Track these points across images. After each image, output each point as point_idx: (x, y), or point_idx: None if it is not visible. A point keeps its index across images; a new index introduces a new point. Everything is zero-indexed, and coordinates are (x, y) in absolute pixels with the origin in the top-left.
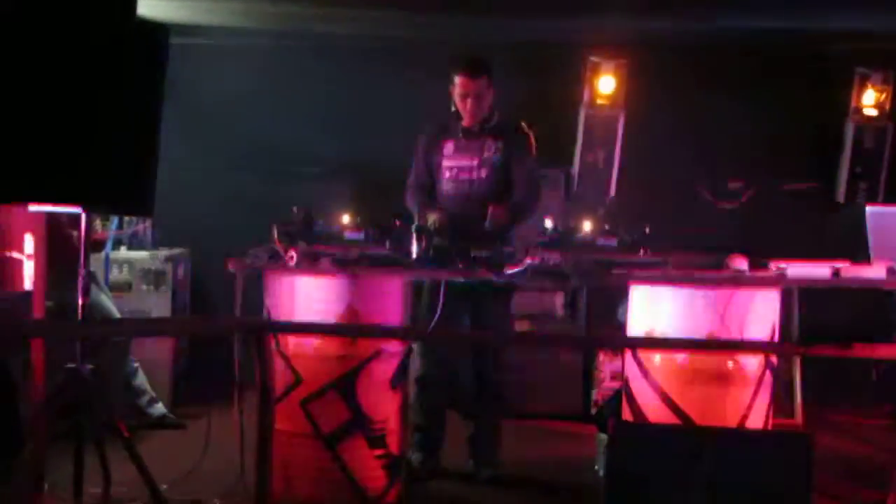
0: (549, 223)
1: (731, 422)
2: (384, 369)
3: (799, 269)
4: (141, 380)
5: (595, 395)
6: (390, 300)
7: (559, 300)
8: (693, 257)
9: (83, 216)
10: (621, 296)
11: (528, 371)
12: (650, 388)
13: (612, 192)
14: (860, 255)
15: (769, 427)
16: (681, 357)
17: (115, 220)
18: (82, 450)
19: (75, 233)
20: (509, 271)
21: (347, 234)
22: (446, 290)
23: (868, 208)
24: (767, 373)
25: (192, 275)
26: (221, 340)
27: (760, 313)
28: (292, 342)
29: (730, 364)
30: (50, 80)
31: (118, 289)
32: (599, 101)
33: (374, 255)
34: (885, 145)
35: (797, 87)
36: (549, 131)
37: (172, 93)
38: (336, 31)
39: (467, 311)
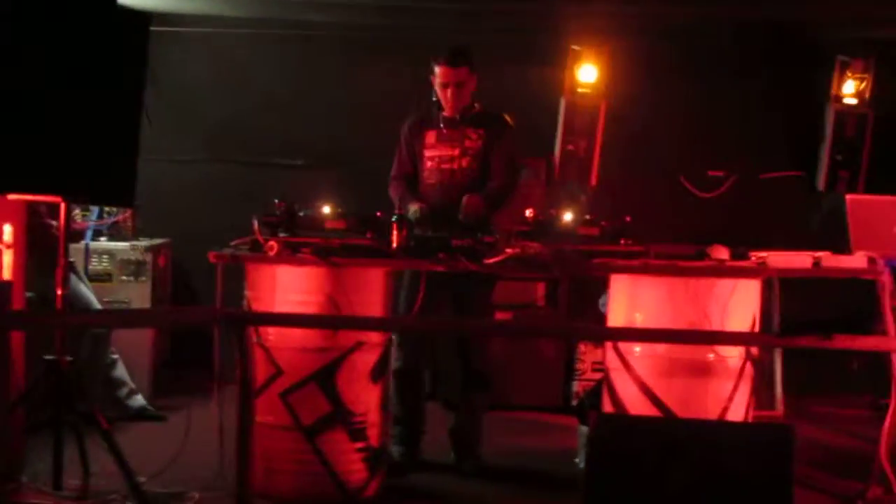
0: (529, 213)
1: (712, 413)
2: (365, 361)
3: (779, 259)
4: (120, 371)
5: (576, 386)
6: (371, 291)
7: (540, 290)
8: (674, 247)
9: (63, 206)
10: (602, 286)
11: (508, 362)
12: (631, 380)
13: (594, 181)
14: (841, 244)
15: (750, 418)
16: (661, 348)
17: (95, 210)
18: (61, 442)
19: (55, 223)
20: (490, 261)
21: (329, 225)
22: (427, 280)
23: (848, 197)
24: (748, 364)
25: (173, 265)
26: (202, 332)
27: (741, 304)
28: (272, 334)
29: (710, 355)
30: (30, 68)
31: (98, 279)
32: (580, 90)
33: (355, 245)
34: (866, 134)
35: (777, 76)
36: (530, 120)
37: (154, 82)
38: (317, 19)
39: (448, 302)
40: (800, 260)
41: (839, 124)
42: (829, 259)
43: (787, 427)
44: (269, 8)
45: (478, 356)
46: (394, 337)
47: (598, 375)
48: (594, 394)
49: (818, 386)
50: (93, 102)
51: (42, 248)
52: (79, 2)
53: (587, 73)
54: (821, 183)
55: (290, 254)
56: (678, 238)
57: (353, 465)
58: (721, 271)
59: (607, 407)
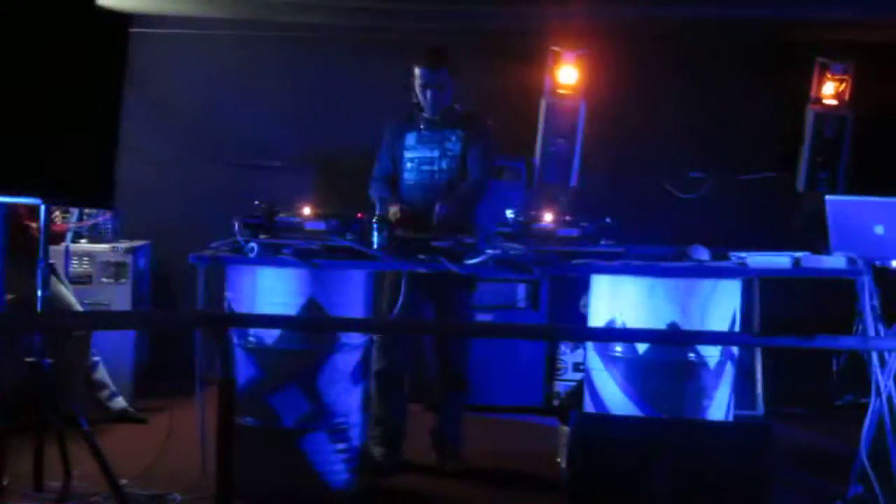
0: (510, 213)
1: (692, 413)
2: (346, 362)
3: (760, 260)
4: (101, 373)
5: (557, 386)
6: (352, 292)
7: (521, 291)
8: (654, 248)
9: (43, 208)
10: (583, 288)
11: (489, 363)
12: (611, 380)
13: (574, 181)
14: (820, 244)
15: (730, 418)
16: (642, 348)
17: (75, 211)
18: (43, 444)
19: (35, 224)
20: (470, 262)
21: (309, 226)
22: (408, 281)
23: (828, 198)
24: (728, 364)
25: (154, 267)
26: (183, 334)
27: (721, 304)
28: (253, 335)
29: (691, 355)
30: (9, 70)
31: (78, 281)
32: (561, 91)
33: (336, 246)
34: (845, 135)
35: (757, 77)
36: (510, 121)
37: (134, 84)
38: (298, 21)
39: (429, 303)
40: (780, 260)
41: (819, 126)
42: (808, 260)
43: (766, 427)
44: (250, 10)
45: (457, 357)
46: (375, 338)
47: (579, 376)
48: (575, 394)
49: (798, 386)
50: (72, 104)
51: (22, 251)
52: (58, 4)
53: (567, 75)
54: (800, 184)
55: (270, 255)
56: (658, 239)
57: (334, 465)
58: (701, 271)
59: (588, 407)
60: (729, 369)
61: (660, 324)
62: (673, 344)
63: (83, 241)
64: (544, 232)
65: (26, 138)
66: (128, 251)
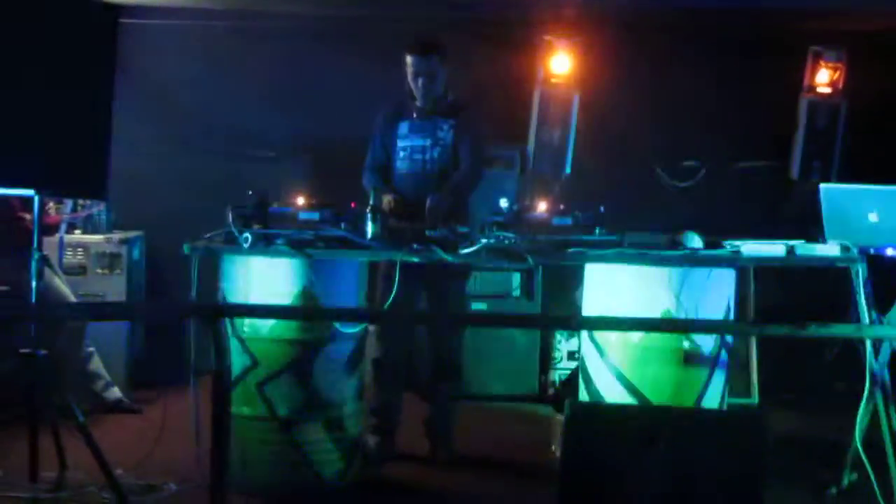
0: (504, 202)
1: (687, 401)
2: (340, 352)
3: (754, 248)
4: (96, 364)
5: (552, 375)
6: (346, 281)
7: (515, 280)
8: (648, 236)
9: (36, 199)
10: (577, 277)
11: (484, 352)
12: (606, 368)
13: (568, 170)
14: (814, 233)
15: (724, 406)
16: (636, 337)
17: (68, 203)
18: (37, 435)
19: (28, 216)
20: (464, 251)
21: (302, 216)
22: (401, 271)
23: (822, 186)
24: (723, 352)
25: (148, 258)
26: (177, 324)
27: (716, 292)
28: (247, 325)
29: (685, 343)
30: (0, 62)
31: (72, 272)
32: (554, 80)
33: (329, 236)
34: (839, 123)
35: (751, 65)
36: (504, 110)
37: (127, 75)
38: (290, 10)
39: (423, 292)
40: (774, 249)
41: (812, 114)
42: (802, 248)
43: (760, 415)
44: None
45: (451, 346)
46: (370, 328)
47: (573, 364)
48: (570, 382)
49: (793, 374)
50: (64, 95)
51: (16, 242)
52: None
53: (561, 64)
54: (794, 172)
55: (264, 245)
56: (653, 227)
57: (328, 455)
58: (695, 260)
59: (583, 396)
60: (723, 357)
61: (654, 312)
62: (667, 332)
63: (77, 232)
64: (538, 221)
65: (19, 130)
66: (122, 242)
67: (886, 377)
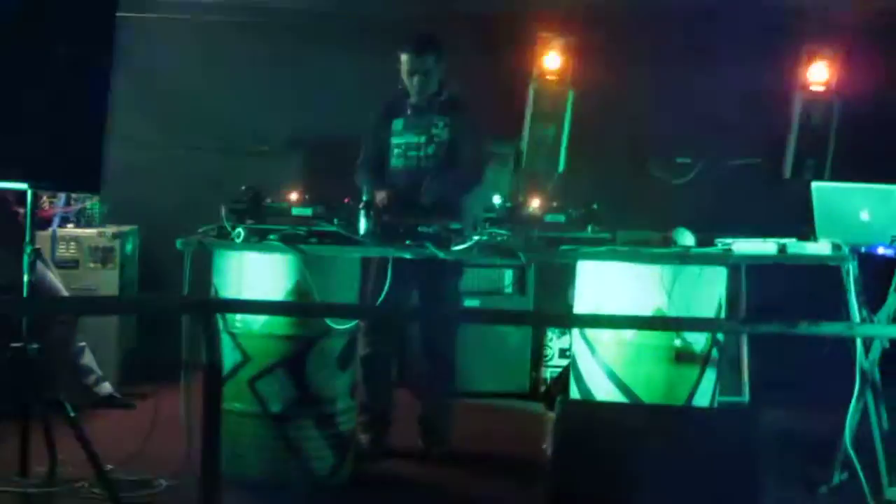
0: (497, 199)
1: (678, 399)
2: (332, 348)
3: (745, 246)
4: (88, 358)
5: (544, 372)
6: (339, 277)
7: (508, 277)
8: (641, 233)
9: (30, 193)
10: (570, 274)
11: (476, 348)
12: (597, 366)
13: (561, 167)
14: (806, 231)
15: (715, 404)
16: (628, 334)
17: (62, 196)
18: (28, 429)
19: (22, 209)
20: (457, 248)
21: (296, 211)
22: (394, 267)
23: (814, 184)
24: (714, 350)
25: (141, 252)
26: (169, 319)
27: (707, 290)
28: (240, 320)
29: (677, 341)
30: None
31: (65, 266)
32: (548, 77)
33: (322, 232)
34: (832, 122)
35: (745, 63)
36: (498, 106)
37: (121, 68)
38: (286, 6)
39: (416, 288)
40: (765, 247)
41: (806, 112)
42: (794, 246)
43: (752, 412)
44: None
45: (443, 343)
46: (362, 324)
47: (565, 362)
48: (561, 380)
49: (784, 372)
50: (59, 89)
51: (8, 236)
52: None
53: (555, 60)
54: (787, 170)
55: (257, 241)
56: (645, 224)
57: (320, 451)
58: (687, 258)
59: (574, 393)
60: (714, 355)
61: (646, 310)
62: (659, 330)
63: (70, 225)
64: (531, 217)
65: (13, 124)
66: (115, 236)
67: (877, 376)
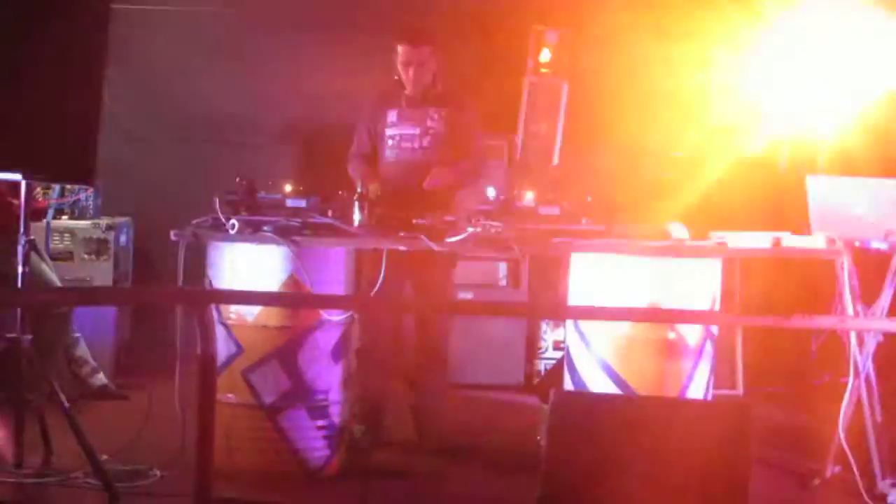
0: (492, 191)
1: (672, 392)
2: (326, 339)
3: (740, 239)
4: (82, 350)
5: (537, 365)
6: (332, 269)
7: (502, 269)
8: (635, 226)
9: (24, 184)
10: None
11: (470, 341)
12: (591, 358)
13: (556, 160)
14: (801, 224)
15: (709, 397)
16: (622, 327)
17: (56, 188)
18: (23, 421)
19: (16, 201)
20: (451, 239)
21: (290, 203)
22: (388, 259)
23: (809, 177)
24: (708, 343)
25: (135, 243)
26: (163, 310)
27: (702, 283)
28: (234, 312)
29: (671, 334)
30: None
31: (59, 258)
32: (543, 70)
33: (316, 223)
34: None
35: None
36: (493, 99)
37: (115, 60)
38: None
39: (409, 280)
40: (759, 240)
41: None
42: (788, 239)
43: (745, 406)
44: None
45: (437, 335)
46: (356, 315)
47: (559, 354)
48: (555, 372)
49: (778, 365)
50: (54, 80)
51: (3, 227)
52: None
53: (550, 54)
54: (782, 163)
55: (251, 232)
56: (639, 218)
57: (314, 442)
58: (681, 251)
59: (568, 385)
60: (708, 348)
61: (640, 302)
62: (652, 323)
63: (64, 217)
64: (526, 210)
65: (8, 115)
66: (109, 228)
67: (870, 369)
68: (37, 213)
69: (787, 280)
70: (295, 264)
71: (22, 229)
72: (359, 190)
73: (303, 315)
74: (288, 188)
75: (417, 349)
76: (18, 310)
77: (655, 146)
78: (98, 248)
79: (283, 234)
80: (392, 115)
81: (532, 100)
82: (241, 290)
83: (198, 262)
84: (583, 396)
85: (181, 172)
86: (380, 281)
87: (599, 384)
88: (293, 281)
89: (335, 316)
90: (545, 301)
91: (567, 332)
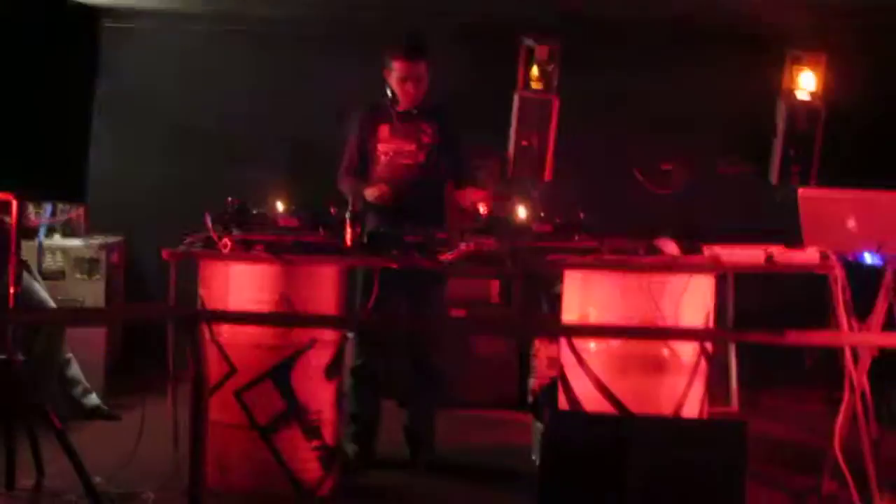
0: (483, 209)
1: (667, 410)
2: (319, 359)
3: (732, 255)
4: (74, 370)
5: (532, 383)
6: (325, 288)
7: (494, 287)
8: (627, 242)
9: (15, 203)
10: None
11: (463, 359)
12: (585, 376)
13: (547, 176)
14: (793, 238)
15: (704, 414)
16: (616, 344)
17: (48, 206)
18: (14, 441)
19: (7, 220)
20: (444, 258)
21: (282, 222)
22: (380, 277)
23: (801, 191)
24: (702, 359)
25: (127, 263)
26: (155, 330)
27: (695, 299)
28: (226, 331)
29: (665, 351)
30: None
31: (51, 277)
32: (533, 85)
33: (308, 242)
34: (818, 128)
35: (730, 70)
36: (484, 115)
37: (107, 78)
38: (269, 14)
39: (402, 298)
40: (752, 254)
41: (791, 118)
42: (781, 254)
43: (740, 423)
44: (223, 3)
45: (429, 353)
46: (349, 335)
47: (553, 372)
48: (549, 390)
49: (772, 381)
50: (44, 98)
51: None
52: None
53: (540, 69)
54: (773, 177)
55: (243, 251)
56: (632, 233)
57: (307, 462)
58: (674, 266)
59: (562, 404)
60: (702, 365)
61: (633, 319)
62: (646, 339)
63: (56, 236)
64: (518, 227)
65: None
66: (101, 247)
67: (865, 385)
68: (29, 232)
69: (781, 294)
70: (287, 283)
71: (13, 248)
72: (350, 207)
73: (296, 334)
74: (280, 206)
75: (410, 367)
76: (10, 329)
77: (647, 160)
78: (90, 267)
79: (275, 253)
80: (384, 130)
81: (523, 115)
82: (233, 309)
83: (190, 281)
84: (577, 415)
85: (173, 190)
86: (372, 299)
87: (594, 403)
88: (286, 300)
89: (328, 335)
90: (538, 318)
91: (561, 350)
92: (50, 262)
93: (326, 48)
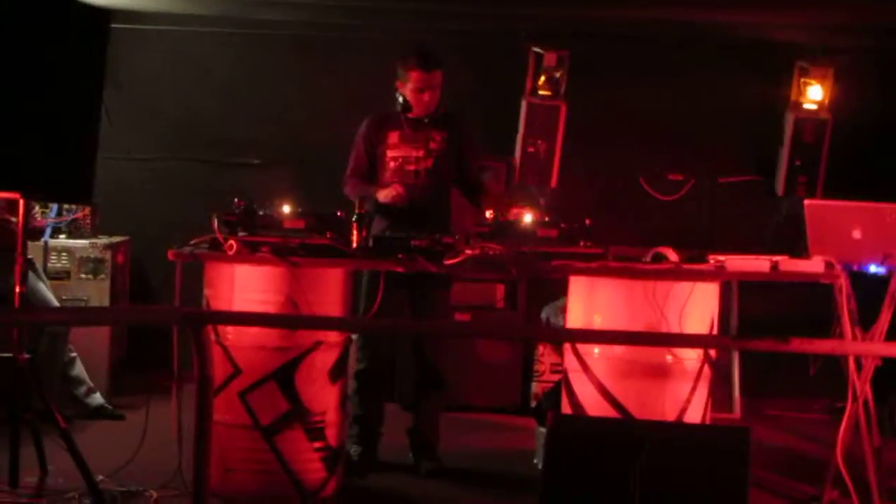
0: (489, 213)
1: (670, 415)
2: (324, 361)
3: (738, 263)
4: (78, 369)
5: (535, 387)
6: (330, 290)
7: (499, 292)
8: (633, 250)
9: (21, 203)
10: (562, 289)
11: (467, 363)
12: (589, 382)
13: (553, 183)
14: (799, 248)
15: (707, 420)
16: (620, 350)
17: (54, 207)
18: (18, 440)
19: (14, 219)
20: (449, 262)
21: (288, 224)
22: (386, 281)
23: (807, 202)
24: (706, 366)
25: (132, 263)
26: (160, 330)
27: (699, 307)
28: (231, 332)
29: (668, 357)
30: None
31: (56, 277)
32: (541, 92)
33: (314, 245)
34: (824, 139)
35: (738, 81)
36: (491, 121)
37: (113, 79)
38: (278, 18)
39: (407, 302)
40: (758, 264)
41: (798, 130)
42: (786, 263)
43: (743, 429)
44: (228, 6)
45: (433, 356)
46: (354, 337)
47: (556, 377)
48: (553, 395)
49: (775, 388)
50: (52, 99)
51: (0, 246)
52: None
53: (549, 76)
54: (780, 187)
55: (249, 253)
56: (637, 241)
57: (310, 464)
58: (679, 274)
59: (566, 408)
60: (706, 372)
61: (637, 325)
62: (650, 346)
63: (62, 236)
64: (523, 232)
65: (6, 133)
66: (106, 247)
67: (868, 394)
68: (35, 232)
69: (785, 303)
70: (293, 285)
71: (19, 248)
72: (357, 210)
73: (300, 336)
74: (286, 209)
75: (415, 371)
76: (15, 329)
77: (653, 169)
78: (95, 267)
79: (281, 255)
80: (393, 137)
81: (530, 121)
82: (238, 311)
83: (196, 282)
84: (580, 420)
85: (179, 192)
86: (377, 303)
87: (597, 408)
88: (291, 302)
89: (333, 337)
90: (542, 324)
91: (565, 355)
92: (55, 262)
93: (330, 52)
